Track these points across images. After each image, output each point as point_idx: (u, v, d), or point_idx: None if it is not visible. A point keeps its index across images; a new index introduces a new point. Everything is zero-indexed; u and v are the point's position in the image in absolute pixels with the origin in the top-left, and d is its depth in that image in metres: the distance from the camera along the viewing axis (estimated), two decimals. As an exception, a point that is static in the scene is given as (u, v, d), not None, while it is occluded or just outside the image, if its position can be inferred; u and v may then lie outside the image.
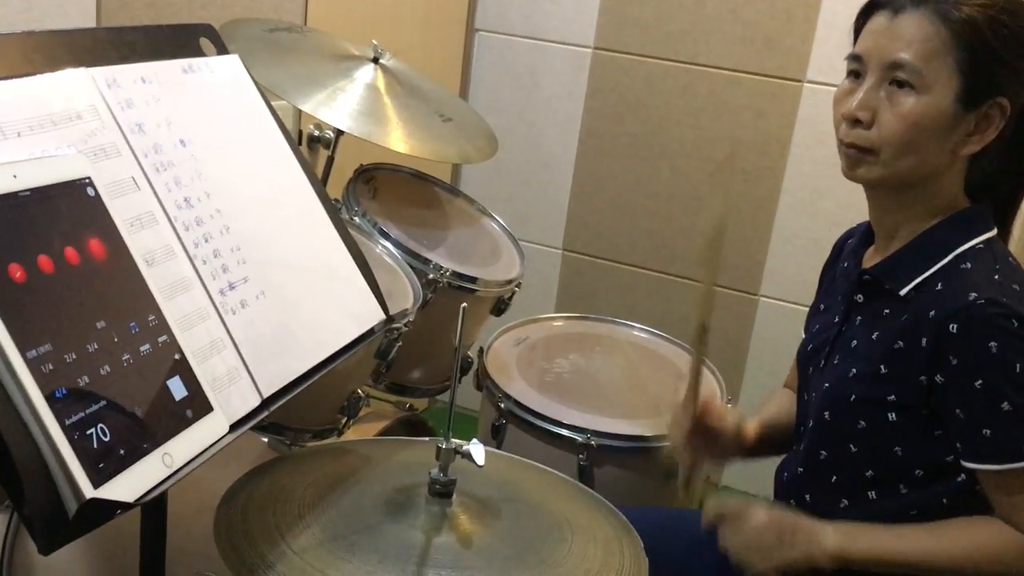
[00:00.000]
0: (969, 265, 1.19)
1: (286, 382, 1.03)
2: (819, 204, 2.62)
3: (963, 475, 1.20)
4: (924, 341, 1.16)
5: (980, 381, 1.13)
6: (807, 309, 1.51)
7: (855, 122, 1.20)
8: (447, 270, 1.75)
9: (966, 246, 1.21)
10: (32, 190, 0.83)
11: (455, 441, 1.06)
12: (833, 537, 1.22)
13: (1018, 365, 1.12)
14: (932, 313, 1.16)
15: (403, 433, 1.91)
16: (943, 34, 1.14)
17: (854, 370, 1.25)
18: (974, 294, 1.14)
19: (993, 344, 1.12)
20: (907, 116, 1.16)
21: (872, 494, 1.26)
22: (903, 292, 1.22)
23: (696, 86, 2.68)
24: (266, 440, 1.61)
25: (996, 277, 1.16)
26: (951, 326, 1.14)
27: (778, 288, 2.73)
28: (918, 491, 1.23)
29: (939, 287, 1.18)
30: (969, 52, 1.14)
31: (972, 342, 1.13)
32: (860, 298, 1.29)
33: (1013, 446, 1.14)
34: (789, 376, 1.57)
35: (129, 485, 0.80)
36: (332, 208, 1.21)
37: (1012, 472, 1.15)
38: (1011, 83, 1.17)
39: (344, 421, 1.62)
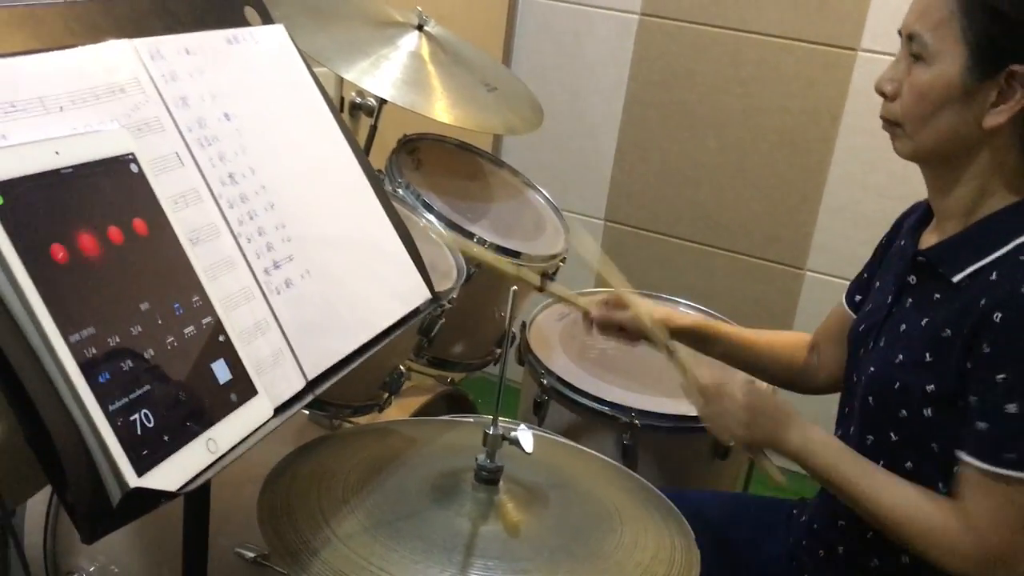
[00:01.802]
0: None
1: (331, 364, 1.01)
2: (870, 177, 2.55)
3: None
4: (966, 328, 1.12)
5: (1003, 375, 1.08)
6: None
7: (884, 96, 1.21)
8: (491, 244, 1.72)
9: None
10: (74, 167, 0.80)
11: (502, 426, 1.04)
12: (796, 441, 1.24)
13: None
14: (983, 302, 1.11)
15: (445, 408, 1.89)
16: (951, 3, 1.12)
17: (900, 356, 1.21)
18: None
19: None
20: (915, 88, 1.16)
21: None
22: (956, 279, 1.17)
23: (745, 54, 2.61)
24: (307, 413, 1.60)
25: None
26: (996, 315, 1.09)
27: (826, 263, 2.67)
28: None
29: (993, 277, 1.13)
30: (974, 19, 1.11)
31: (1010, 334, 1.08)
32: (913, 280, 1.25)
33: (1002, 450, 1.09)
34: (819, 328, 1.56)
35: (173, 473, 0.78)
36: (378, 183, 1.18)
37: (992, 475, 1.09)
38: None
39: (386, 397, 1.60)
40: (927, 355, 1.16)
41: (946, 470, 1.17)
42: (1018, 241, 1.14)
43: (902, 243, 1.33)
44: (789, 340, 1.59)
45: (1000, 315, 1.08)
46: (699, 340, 1.57)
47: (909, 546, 1.17)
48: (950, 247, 1.20)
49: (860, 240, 2.59)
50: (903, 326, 1.22)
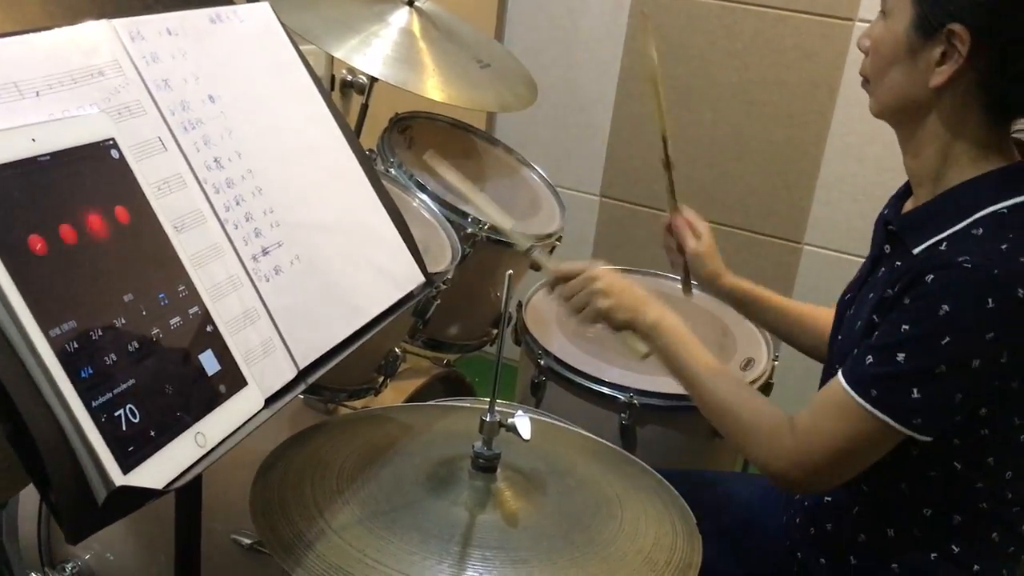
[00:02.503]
0: (980, 231, 1.10)
1: (322, 352, 0.98)
2: (868, 149, 2.52)
3: (958, 464, 1.15)
4: (899, 286, 1.11)
5: (908, 327, 1.08)
6: (853, 258, 1.47)
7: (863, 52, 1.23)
8: (485, 224, 1.69)
9: (988, 210, 1.12)
10: (52, 154, 0.77)
11: (499, 412, 1.02)
12: (653, 316, 1.34)
13: (947, 339, 1.05)
14: (923, 266, 1.10)
15: (441, 390, 1.87)
16: None
17: (860, 322, 1.20)
18: (966, 257, 1.06)
19: (946, 307, 1.05)
20: (873, 42, 1.18)
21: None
22: (916, 251, 1.15)
23: (741, 25, 2.58)
24: (302, 398, 1.58)
25: (1004, 247, 1.07)
26: (928, 276, 1.07)
27: (823, 236, 2.64)
28: (913, 473, 1.17)
29: (943, 247, 1.12)
30: None
31: (934, 296, 1.06)
32: (888, 249, 1.23)
33: (871, 387, 1.10)
34: None
35: (160, 469, 0.76)
36: (369, 165, 1.15)
37: (849, 401, 1.11)
38: (964, 8, 1.08)
39: (382, 380, 1.58)
40: (874, 317, 1.16)
41: (904, 450, 1.15)
42: (975, 216, 1.12)
43: (885, 212, 1.32)
44: (829, 315, 1.57)
45: (932, 277, 1.07)
46: (744, 303, 1.61)
47: (735, 440, 1.24)
48: (916, 218, 1.19)
49: (858, 213, 2.56)
50: (871, 295, 1.21)
